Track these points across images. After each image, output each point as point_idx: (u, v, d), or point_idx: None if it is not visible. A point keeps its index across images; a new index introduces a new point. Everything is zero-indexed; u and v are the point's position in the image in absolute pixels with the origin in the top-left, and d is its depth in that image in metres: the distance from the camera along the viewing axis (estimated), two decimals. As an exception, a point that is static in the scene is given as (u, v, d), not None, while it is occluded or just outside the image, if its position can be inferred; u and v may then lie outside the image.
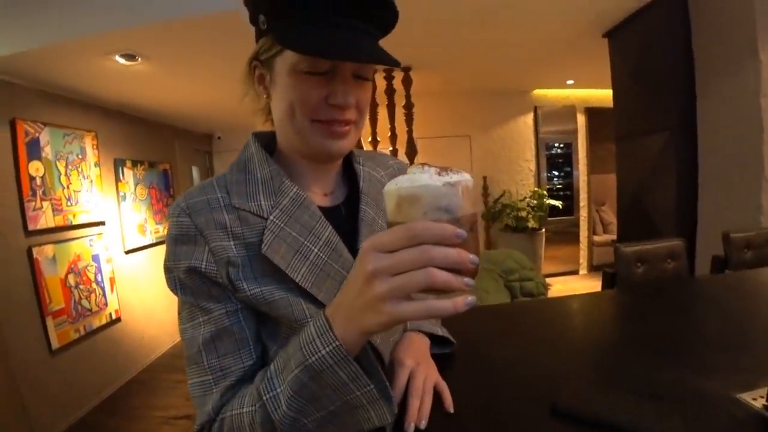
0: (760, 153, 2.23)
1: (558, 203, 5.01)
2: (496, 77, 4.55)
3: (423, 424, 0.57)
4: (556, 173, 5.48)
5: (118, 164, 3.26)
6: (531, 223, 4.90)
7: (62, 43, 2.08)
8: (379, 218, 0.65)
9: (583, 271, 5.41)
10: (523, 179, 5.38)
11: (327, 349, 0.41)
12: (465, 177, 0.38)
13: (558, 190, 5.40)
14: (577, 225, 5.37)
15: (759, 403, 0.56)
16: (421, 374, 0.63)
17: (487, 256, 2.75)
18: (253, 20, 0.57)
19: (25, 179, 2.39)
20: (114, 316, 3.04)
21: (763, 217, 2.26)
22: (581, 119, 5.33)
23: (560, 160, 5.46)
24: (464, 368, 0.76)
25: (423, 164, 0.39)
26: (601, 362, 0.81)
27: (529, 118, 5.34)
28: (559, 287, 4.54)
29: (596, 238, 5.44)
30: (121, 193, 3.27)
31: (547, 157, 5.39)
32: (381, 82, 3.90)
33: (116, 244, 3.18)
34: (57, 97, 2.69)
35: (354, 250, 0.58)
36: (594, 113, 5.30)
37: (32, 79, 2.44)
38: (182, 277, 0.53)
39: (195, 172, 4.73)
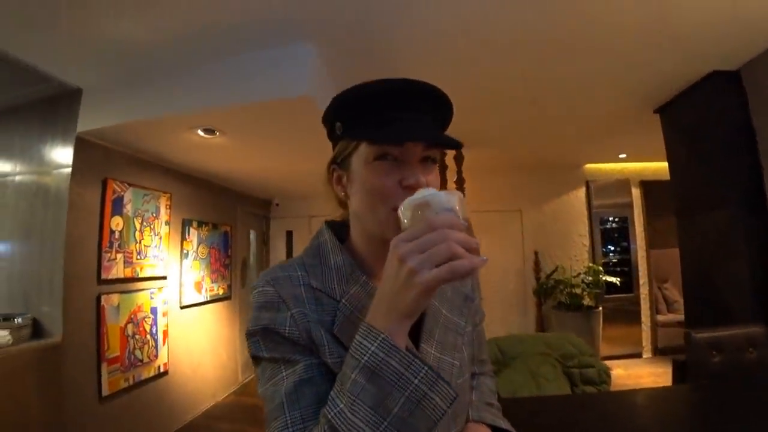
0: None
1: (615, 279, 4.71)
2: (546, 152, 4.62)
3: None
4: (612, 248, 5.22)
5: (186, 224, 3.56)
6: (587, 301, 4.61)
7: (157, 119, 2.43)
8: (443, 308, 0.71)
9: (647, 354, 4.88)
10: (576, 254, 5.18)
11: (375, 344, 0.47)
12: (457, 192, 0.53)
13: (615, 265, 5.11)
14: (637, 303, 4.96)
15: None
16: None
17: (543, 339, 2.61)
18: (330, 132, 0.69)
19: (106, 232, 2.67)
20: (162, 369, 3.12)
21: None
22: (636, 192, 5.16)
23: (616, 235, 5.23)
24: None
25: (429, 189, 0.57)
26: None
27: (582, 192, 5.25)
28: (620, 372, 4.10)
29: (660, 317, 4.96)
30: (185, 251, 3.52)
31: (602, 232, 5.18)
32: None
33: (174, 299, 3.36)
34: (142, 161, 3.07)
35: (416, 338, 0.63)
36: (650, 186, 5.12)
37: (124, 144, 2.82)
38: (266, 339, 0.59)
39: (252, 235, 5.02)
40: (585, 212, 5.25)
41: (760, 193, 2.49)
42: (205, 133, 2.67)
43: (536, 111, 3.31)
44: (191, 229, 3.64)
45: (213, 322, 3.94)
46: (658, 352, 4.85)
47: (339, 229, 0.70)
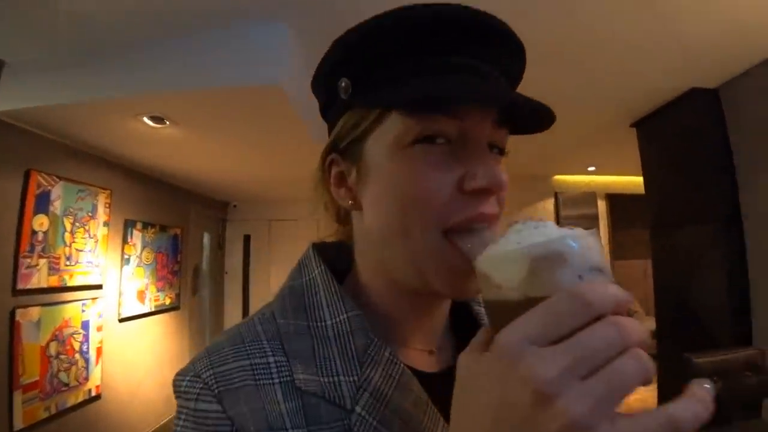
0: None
1: (581, 292, 4.73)
2: (516, 162, 4.56)
3: None
4: (577, 260, 5.28)
5: (129, 225, 3.14)
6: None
7: (96, 101, 2.06)
8: None
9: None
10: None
11: None
12: (587, 231, 0.27)
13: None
14: (602, 316, 5.03)
15: None
16: None
17: None
18: (329, 98, 0.41)
19: (26, 233, 2.25)
20: (93, 393, 2.69)
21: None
22: (602, 205, 5.25)
23: (581, 247, 5.29)
24: None
25: (524, 220, 0.29)
26: None
27: (550, 204, 5.27)
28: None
29: (624, 332, 5.05)
30: (126, 256, 3.10)
31: (568, 243, 5.23)
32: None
33: (111, 311, 2.93)
34: (77, 152, 2.65)
35: None
36: (615, 199, 5.23)
37: (54, 131, 2.41)
38: None
39: (206, 238, 4.62)
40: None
41: (736, 209, 2.49)
42: (153, 122, 2.33)
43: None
44: (135, 231, 3.23)
45: (158, 336, 3.52)
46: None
47: (335, 257, 0.44)
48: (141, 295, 3.28)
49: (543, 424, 0.20)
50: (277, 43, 1.96)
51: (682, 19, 1.93)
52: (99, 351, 2.78)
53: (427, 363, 0.41)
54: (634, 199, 3.27)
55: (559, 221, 5.19)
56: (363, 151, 0.38)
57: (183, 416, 0.34)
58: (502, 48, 0.37)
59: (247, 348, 0.35)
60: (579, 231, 0.26)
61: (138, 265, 3.25)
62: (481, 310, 0.47)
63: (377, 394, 0.34)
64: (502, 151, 0.39)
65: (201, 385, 0.33)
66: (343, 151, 0.40)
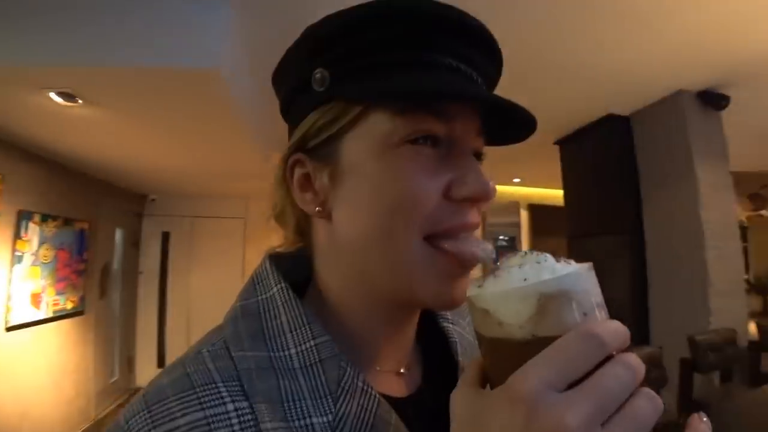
0: (704, 260, 2.40)
1: (503, 294, 5.07)
2: (448, 169, 4.77)
3: None
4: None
5: (24, 217, 2.70)
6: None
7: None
8: None
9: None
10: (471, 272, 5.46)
11: None
12: (585, 265, 0.27)
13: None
14: (520, 317, 5.44)
15: None
16: None
17: None
18: (295, 91, 0.37)
19: None
20: (-31, 417, 2.27)
21: (712, 318, 2.35)
22: (524, 214, 5.69)
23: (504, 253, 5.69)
24: None
25: (521, 251, 0.28)
26: None
27: (475, 211, 5.60)
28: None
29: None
30: (18, 253, 2.66)
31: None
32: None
33: (-4, 317, 2.50)
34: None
35: None
36: (536, 209, 5.70)
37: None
38: None
39: (119, 234, 4.14)
40: (479, 231, 5.58)
41: (639, 223, 2.84)
42: (62, 99, 2.01)
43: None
44: (31, 225, 2.78)
45: (57, 346, 3.07)
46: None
47: (291, 269, 0.39)
48: (36, 299, 2.83)
49: None
50: (218, 25, 1.81)
51: (603, 53, 2.17)
52: (-21, 366, 2.35)
53: (396, 386, 0.39)
54: (553, 210, 3.60)
55: (484, 228, 5.52)
56: (339, 150, 0.34)
57: None
58: (486, 53, 0.36)
59: (199, 395, 0.29)
60: (580, 266, 0.26)
61: (33, 264, 2.81)
62: (449, 326, 0.46)
63: (352, 427, 0.31)
64: (481, 155, 0.38)
65: None
66: (311, 151, 0.36)
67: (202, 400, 0.29)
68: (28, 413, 2.73)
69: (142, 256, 4.55)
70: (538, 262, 0.26)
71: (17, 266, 2.65)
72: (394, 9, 0.33)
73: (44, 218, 2.91)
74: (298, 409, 0.30)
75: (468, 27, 0.34)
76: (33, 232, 2.80)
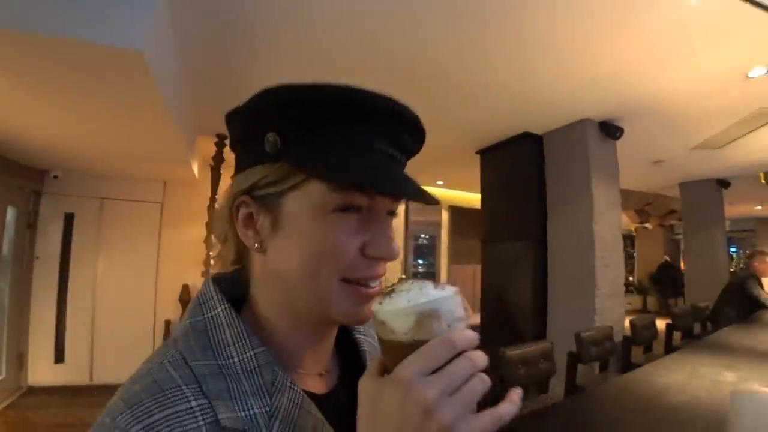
0: (593, 268, 2.81)
1: (423, 289, 5.36)
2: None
3: None
4: (421, 261, 5.96)
5: None
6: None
7: None
8: None
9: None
10: (391, 266, 5.65)
11: None
12: (453, 289, 0.38)
13: (422, 276, 5.84)
14: (438, 310, 5.80)
15: None
16: None
17: None
18: (248, 140, 0.44)
19: None
20: None
21: (596, 317, 2.77)
22: (445, 215, 6.04)
23: (425, 250, 5.99)
24: None
25: (408, 280, 0.39)
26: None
27: (401, 209, 5.79)
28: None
29: (453, 322, 5.94)
30: None
31: (414, 247, 5.85)
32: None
33: None
34: None
35: None
36: (456, 211, 6.07)
37: None
38: None
39: (11, 214, 3.64)
40: (402, 228, 5.82)
41: (543, 232, 3.22)
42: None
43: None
44: None
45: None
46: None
47: (230, 288, 0.47)
48: None
49: (428, 428, 0.31)
50: (145, 4, 1.71)
51: (524, 80, 2.43)
52: None
53: (317, 385, 0.48)
54: (472, 212, 3.91)
55: (407, 225, 5.76)
56: (280, 204, 0.42)
57: None
58: (414, 137, 0.46)
59: (168, 396, 0.36)
60: (448, 291, 0.36)
61: None
62: (361, 337, 0.56)
63: (285, 419, 0.40)
64: (395, 215, 0.47)
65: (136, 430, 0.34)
66: (256, 197, 0.43)
67: (171, 399, 0.36)
68: None
69: (40, 240, 4.05)
70: (420, 289, 0.36)
71: None
72: (347, 96, 0.40)
73: None
74: (244, 404, 0.39)
75: (404, 119, 0.43)
76: None
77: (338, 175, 0.39)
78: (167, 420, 0.35)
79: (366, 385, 0.36)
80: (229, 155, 3.70)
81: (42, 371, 4.05)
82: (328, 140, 0.40)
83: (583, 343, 2.23)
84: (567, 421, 1.34)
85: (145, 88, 2.01)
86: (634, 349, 2.65)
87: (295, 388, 0.42)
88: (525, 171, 3.34)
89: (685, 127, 3.15)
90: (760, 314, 3.23)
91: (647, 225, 8.06)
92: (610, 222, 2.93)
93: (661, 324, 2.91)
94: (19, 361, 3.89)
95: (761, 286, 3.46)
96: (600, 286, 2.77)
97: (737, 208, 7.53)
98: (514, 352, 1.96)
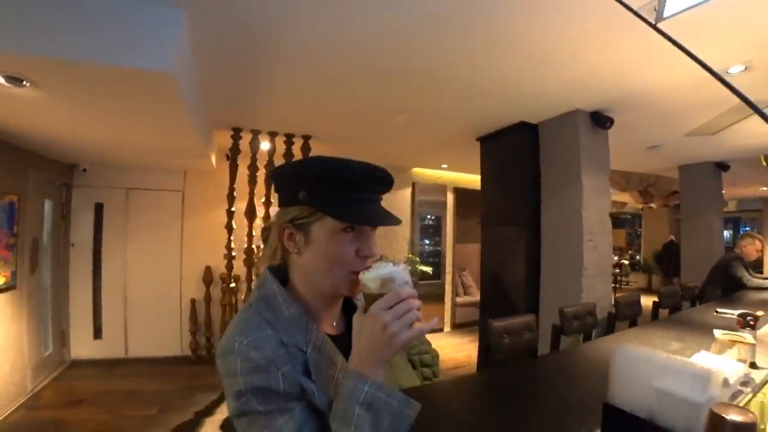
0: (581, 251, 3.03)
1: (429, 269, 5.64)
2: (383, 154, 5.11)
3: None
4: (427, 242, 6.20)
5: (-49, 194, 2.63)
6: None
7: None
8: None
9: (447, 328, 6.07)
10: (398, 246, 5.92)
11: (367, 385, 0.62)
12: (403, 265, 0.69)
13: (428, 256, 6.09)
14: (443, 288, 6.09)
15: None
16: None
17: None
18: (288, 192, 0.75)
19: None
20: None
21: (583, 294, 3.02)
22: (450, 197, 6.23)
23: (431, 230, 6.22)
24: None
25: (379, 259, 0.73)
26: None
27: (408, 192, 6.01)
28: (429, 346, 5.00)
29: (458, 299, 6.22)
30: (-52, 230, 2.61)
31: (420, 227, 6.08)
32: (281, 146, 4.05)
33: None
34: None
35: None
36: (460, 192, 6.26)
37: None
38: (259, 396, 0.64)
39: (48, 206, 3.98)
40: (409, 210, 6.05)
41: (537, 216, 3.44)
42: (7, 82, 2.03)
43: (383, 123, 3.68)
44: (-41, 202, 2.71)
45: (-12, 322, 3.05)
46: (456, 326, 6.09)
47: (276, 273, 0.77)
48: (-32, 277, 2.80)
49: (384, 335, 0.61)
50: (170, 26, 1.93)
51: (521, 74, 2.58)
52: None
53: (331, 330, 0.80)
54: (476, 194, 4.11)
55: (414, 207, 5.99)
56: (310, 229, 0.73)
57: (239, 366, 0.64)
58: (385, 187, 0.77)
59: (256, 328, 0.68)
60: (399, 266, 0.66)
61: (-36, 242, 2.76)
62: (357, 303, 0.86)
63: (314, 345, 0.71)
64: (375, 229, 0.77)
65: (246, 344, 0.65)
66: (295, 225, 0.75)
67: (258, 329, 0.68)
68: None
69: (74, 229, 4.42)
70: (384, 266, 0.66)
71: (-52, 244, 2.61)
72: (348, 170, 0.72)
73: (-27, 194, 2.83)
74: (293, 336, 0.70)
75: (377, 178, 0.74)
76: (-38, 209, 2.73)
77: (342, 216, 0.71)
78: (258, 338, 0.66)
79: (355, 318, 0.68)
80: (244, 146, 3.97)
81: (82, 346, 4.48)
82: (335, 195, 0.71)
83: (565, 318, 2.48)
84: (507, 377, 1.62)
85: (170, 101, 2.27)
86: (620, 324, 2.89)
87: (318, 330, 0.73)
88: (521, 158, 3.53)
89: (675, 117, 3.29)
90: (741, 294, 3.43)
91: (652, 205, 8.15)
92: (598, 208, 3.13)
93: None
94: (62, 338, 4.31)
95: (745, 267, 3.64)
96: (587, 267, 3.01)
97: (744, 189, 7.58)
98: (499, 323, 2.19)
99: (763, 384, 1.26)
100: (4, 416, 3.13)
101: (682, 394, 0.69)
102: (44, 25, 1.78)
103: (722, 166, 5.11)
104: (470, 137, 4.06)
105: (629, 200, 8.66)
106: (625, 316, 2.91)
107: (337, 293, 0.76)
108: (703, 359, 1.27)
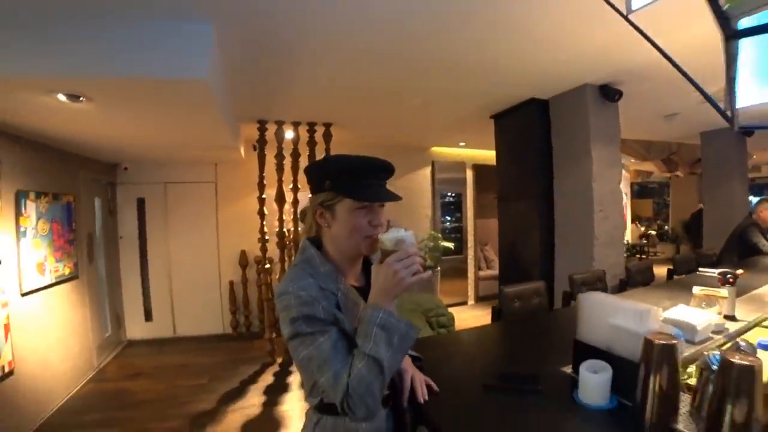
0: (592, 221, 3.16)
1: (450, 244, 5.83)
2: (402, 136, 5.27)
3: (424, 398, 1.13)
4: (449, 218, 6.37)
5: (21, 196, 2.99)
6: (428, 262, 5.61)
7: (9, 79, 2.03)
8: None
9: (471, 301, 6.29)
10: (421, 223, 6.13)
11: (382, 312, 0.87)
12: (412, 232, 0.94)
13: (450, 232, 6.28)
14: (465, 262, 6.28)
15: (568, 370, 1.10)
16: (417, 375, 1.19)
17: (412, 299, 3.46)
18: (317, 183, 1.00)
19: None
20: (6, 369, 2.72)
21: (594, 263, 3.16)
22: (469, 174, 6.35)
23: (452, 207, 6.38)
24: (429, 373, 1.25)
25: (393, 226, 0.96)
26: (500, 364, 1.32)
27: (428, 171, 6.17)
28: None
29: (481, 273, 6.41)
30: (22, 229, 2.98)
31: (441, 205, 6.25)
32: (304, 135, 4.28)
33: (12, 286, 2.87)
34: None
35: None
36: (479, 169, 6.36)
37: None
38: (307, 322, 0.89)
39: (98, 204, 4.39)
40: (429, 187, 6.22)
41: (550, 189, 3.56)
42: (67, 99, 2.32)
43: (400, 107, 3.84)
44: (28, 202, 3.08)
45: (60, 307, 3.47)
46: (479, 299, 6.31)
47: (312, 242, 1.03)
48: (41, 267, 3.20)
49: (394, 278, 0.87)
50: (204, 41, 2.17)
51: (529, 53, 2.68)
52: (6, 328, 2.76)
53: (355, 283, 1.05)
54: (494, 170, 4.27)
55: (434, 185, 6.15)
56: (335, 209, 0.98)
57: (292, 301, 0.89)
58: (387, 174, 1.00)
59: (301, 277, 0.92)
60: (409, 232, 0.92)
61: (35, 237, 3.14)
62: (373, 260, 1.05)
63: (343, 291, 0.96)
64: (383, 205, 1.01)
65: (296, 287, 0.90)
66: (323, 206, 0.99)
67: (303, 277, 0.93)
68: (46, 366, 3.20)
69: (120, 223, 4.84)
70: (397, 230, 0.91)
71: (23, 240, 2.99)
72: (359, 164, 0.97)
73: (38, 195, 3.20)
74: (327, 283, 0.94)
75: (382, 167, 0.98)
76: (31, 209, 3.10)
77: (357, 197, 0.95)
78: (304, 284, 0.91)
79: (374, 267, 0.92)
80: (270, 136, 4.22)
81: (136, 328, 4.96)
82: (351, 183, 0.96)
83: (575, 284, 2.65)
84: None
85: (203, 103, 2.52)
86: (631, 290, 3.03)
87: (346, 287, 0.99)
88: (533, 134, 3.63)
89: (688, 85, 3.30)
90: (756, 260, 3.45)
91: (678, 173, 7.99)
92: (608, 179, 3.23)
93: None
94: (118, 321, 4.78)
95: (762, 233, 3.62)
96: (598, 237, 3.14)
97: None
98: (510, 289, 2.38)
99: (739, 334, 1.42)
100: (78, 388, 3.60)
101: (628, 327, 0.89)
102: (100, 49, 2.06)
103: (746, 132, 5.00)
104: (484, 115, 4.17)
105: (654, 169, 8.50)
106: (636, 282, 3.04)
107: (358, 253, 1.01)
108: (677, 310, 1.44)
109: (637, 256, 9.74)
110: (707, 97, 0.98)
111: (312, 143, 4.29)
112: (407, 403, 1.08)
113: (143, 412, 3.19)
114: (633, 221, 10.99)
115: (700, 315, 1.36)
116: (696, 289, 1.63)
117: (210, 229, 5.15)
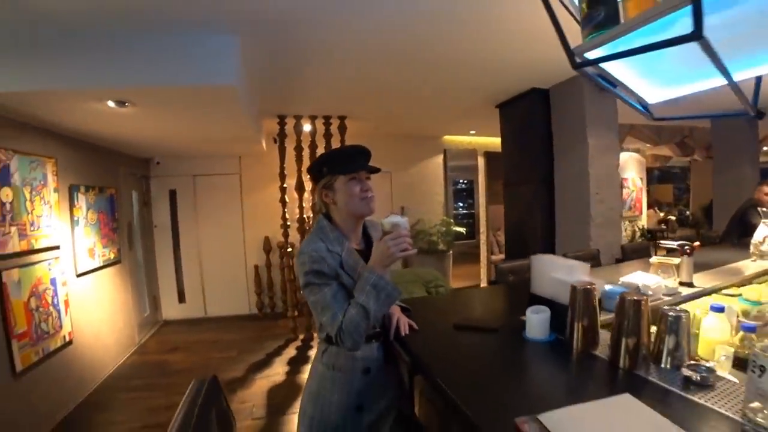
0: (588, 203, 3.36)
1: (462, 229, 6.06)
2: (414, 125, 5.51)
3: (405, 333, 1.44)
4: (461, 204, 6.58)
5: (73, 190, 3.40)
6: (441, 246, 5.87)
7: (67, 90, 2.38)
8: None
9: (483, 284, 6.52)
10: (434, 209, 6.38)
11: (375, 275, 1.17)
12: (407, 218, 1.26)
13: (462, 218, 6.50)
14: (478, 247, 6.51)
15: (524, 317, 1.36)
16: (402, 317, 1.50)
17: (414, 271, 3.74)
18: (317, 172, 1.30)
19: (-1, 205, 2.55)
20: (67, 339, 3.15)
21: (591, 243, 3.37)
22: (481, 161, 6.54)
23: (464, 193, 6.59)
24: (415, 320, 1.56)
25: (393, 213, 1.28)
26: (474, 314, 1.59)
27: (440, 159, 6.39)
28: (464, 299, 5.52)
29: (493, 257, 6.63)
30: (75, 218, 3.40)
31: (453, 191, 6.47)
32: (320, 127, 4.58)
33: (69, 268, 3.30)
34: (24, 126, 2.85)
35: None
36: (490, 156, 6.54)
37: (5, 108, 2.60)
38: (316, 275, 1.18)
39: (134, 196, 4.83)
40: (442, 175, 6.44)
41: (551, 175, 3.76)
42: (115, 105, 2.68)
43: (411, 99, 4.08)
44: (79, 195, 3.49)
45: (107, 288, 3.92)
46: (491, 283, 6.53)
47: (325, 216, 1.32)
48: (91, 252, 3.63)
49: (387, 252, 1.18)
50: (232, 51, 2.48)
51: (526, 46, 2.88)
52: (66, 303, 3.19)
53: (357, 246, 1.33)
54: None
55: (446, 172, 6.37)
56: (333, 186, 1.28)
57: (306, 259, 1.19)
58: (366, 155, 1.32)
59: (315, 242, 1.23)
60: (403, 218, 1.24)
61: (86, 225, 3.56)
62: (373, 234, 1.41)
63: (347, 251, 1.26)
64: (369, 177, 1.31)
65: (310, 249, 1.20)
66: (326, 187, 1.30)
67: (315, 241, 1.24)
68: (98, 338, 3.64)
69: (155, 213, 5.28)
70: (395, 216, 1.24)
71: (76, 228, 3.41)
72: (344, 149, 1.35)
73: (87, 189, 3.61)
74: (334, 246, 1.25)
75: (362, 151, 1.32)
76: (82, 201, 3.52)
77: (347, 172, 1.27)
78: (316, 246, 1.22)
79: (375, 244, 1.23)
80: (289, 130, 4.54)
81: (171, 309, 5.42)
82: (341, 165, 1.28)
83: (570, 262, 2.88)
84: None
85: (231, 104, 2.83)
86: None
87: (351, 247, 1.28)
88: (535, 122, 3.82)
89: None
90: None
91: (696, 157, 7.91)
92: (605, 164, 3.41)
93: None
94: (154, 302, 5.25)
95: (760, 215, 3.70)
96: (594, 218, 3.34)
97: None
98: (504, 264, 2.64)
99: (689, 298, 1.65)
100: (123, 360, 4.06)
101: (563, 278, 1.15)
102: (143, 61, 2.39)
103: (757, 114, 5.00)
104: (490, 105, 4.37)
105: (670, 154, 8.44)
106: (631, 261, 3.24)
107: (359, 214, 1.29)
108: (634, 275, 1.68)
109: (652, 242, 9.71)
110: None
111: (328, 135, 4.58)
112: (393, 338, 1.40)
113: (181, 379, 3.61)
114: (650, 207, 10.91)
115: (653, 279, 1.59)
116: (653, 259, 1.86)
117: (236, 217, 5.54)
